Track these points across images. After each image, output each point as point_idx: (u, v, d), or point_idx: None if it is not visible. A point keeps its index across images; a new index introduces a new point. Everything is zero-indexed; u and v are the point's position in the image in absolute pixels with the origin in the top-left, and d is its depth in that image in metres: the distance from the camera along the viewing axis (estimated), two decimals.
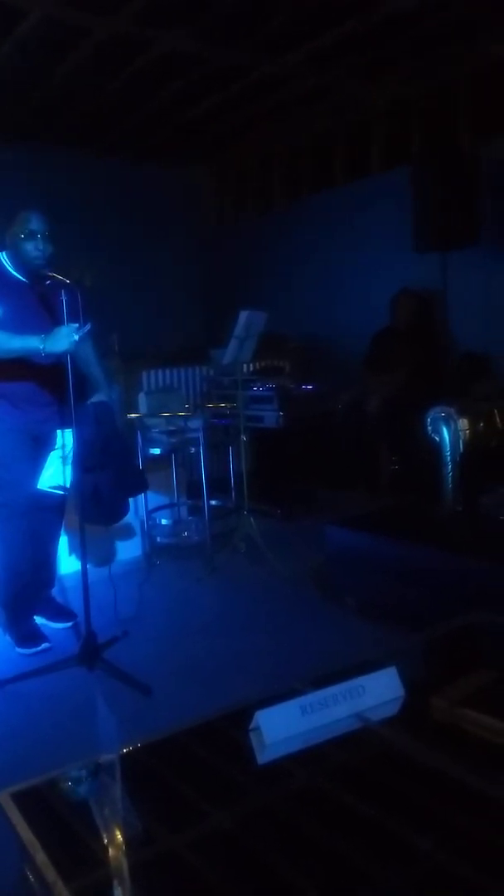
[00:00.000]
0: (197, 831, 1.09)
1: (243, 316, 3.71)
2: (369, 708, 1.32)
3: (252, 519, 3.91)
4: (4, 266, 2.82)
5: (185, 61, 4.72)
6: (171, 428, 3.93)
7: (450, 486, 3.60)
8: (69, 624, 3.11)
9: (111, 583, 2.95)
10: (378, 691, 1.34)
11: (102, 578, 3.02)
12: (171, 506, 4.28)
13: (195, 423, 3.92)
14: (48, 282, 2.72)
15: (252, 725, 1.26)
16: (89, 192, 6.40)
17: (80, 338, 2.58)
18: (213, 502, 4.06)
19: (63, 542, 3.47)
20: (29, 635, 2.96)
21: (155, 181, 6.85)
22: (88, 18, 4.10)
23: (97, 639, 2.71)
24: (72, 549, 3.54)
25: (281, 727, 1.25)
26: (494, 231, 4.87)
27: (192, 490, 4.35)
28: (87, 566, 2.68)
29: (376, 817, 1.09)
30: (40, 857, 1.02)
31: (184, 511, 4.37)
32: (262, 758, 1.24)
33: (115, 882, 0.94)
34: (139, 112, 5.61)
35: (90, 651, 2.67)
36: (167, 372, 5.41)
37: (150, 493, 4.05)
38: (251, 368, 5.23)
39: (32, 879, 1.05)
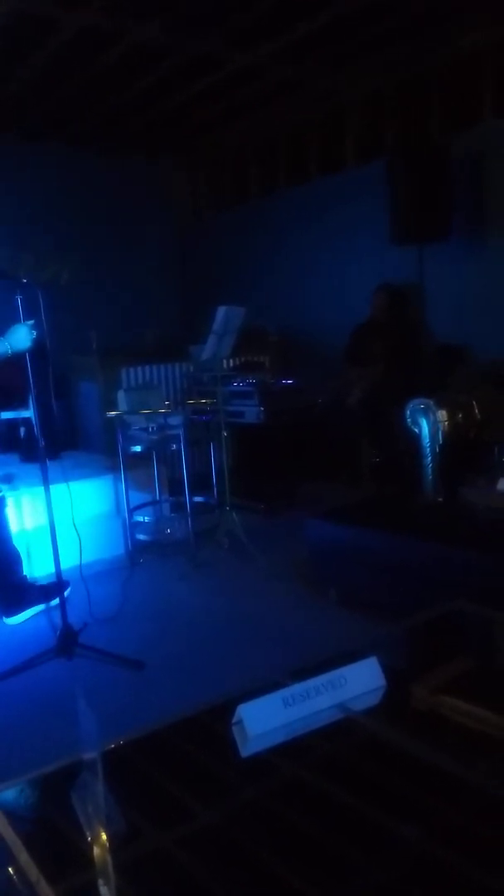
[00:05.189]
0: (182, 827, 1.09)
1: (221, 311, 3.70)
2: (351, 698, 1.33)
3: (234, 514, 3.91)
4: None
5: (158, 53, 4.70)
6: (152, 425, 3.92)
7: (430, 477, 3.63)
8: (64, 594, 3.01)
9: (82, 580, 2.93)
10: (359, 681, 1.35)
11: (83, 576, 3.01)
12: (153, 503, 4.27)
13: (175, 420, 3.91)
14: None
15: (235, 719, 1.26)
16: (62, 187, 6.35)
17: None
18: (195, 499, 4.06)
19: (38, 541, 3.45)
20: None
21: (129, 175, 6.80)
22: (58, 11, 4.05)
23: (74, 627, 2.74)
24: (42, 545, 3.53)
25: (263, 720, 1.25)
26: (467, 223, 4.91)
27: (174, 487, 4.34)
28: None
29: (361, 807, 1.10)
30: (23, 856, 1.01)
31: (166, 508, 4.36)
32: (246, 751, 1.24)
33: (100, 881, 0.94)
34: (112, 105, 5.57)
35: (68, 640, 2.70)
36: (146, 369, 5.40)
37: (131, 491, 4.04)
38: (231, 364, 5.23)
39: (16, 880, 1.04)
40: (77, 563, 2.93)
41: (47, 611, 3.18)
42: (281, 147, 6.48)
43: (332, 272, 5.90)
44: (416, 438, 3.72)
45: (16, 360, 2.69)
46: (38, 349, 2.70)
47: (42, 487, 3.52)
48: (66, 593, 3.02)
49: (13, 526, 3.43)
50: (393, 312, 5.18)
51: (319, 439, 5.01)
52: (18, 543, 3.36)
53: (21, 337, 2.61)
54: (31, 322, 2.62)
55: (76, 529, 2.84)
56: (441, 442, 3.67)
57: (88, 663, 2.72)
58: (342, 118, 5.85)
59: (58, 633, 2.78)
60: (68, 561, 2.83)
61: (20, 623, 3.15)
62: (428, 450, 3.65)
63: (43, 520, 3.51)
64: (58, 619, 2.83)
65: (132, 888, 0.96)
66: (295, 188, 6.30)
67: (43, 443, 2.79)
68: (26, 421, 4.32)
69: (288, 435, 4.91)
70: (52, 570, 2.83)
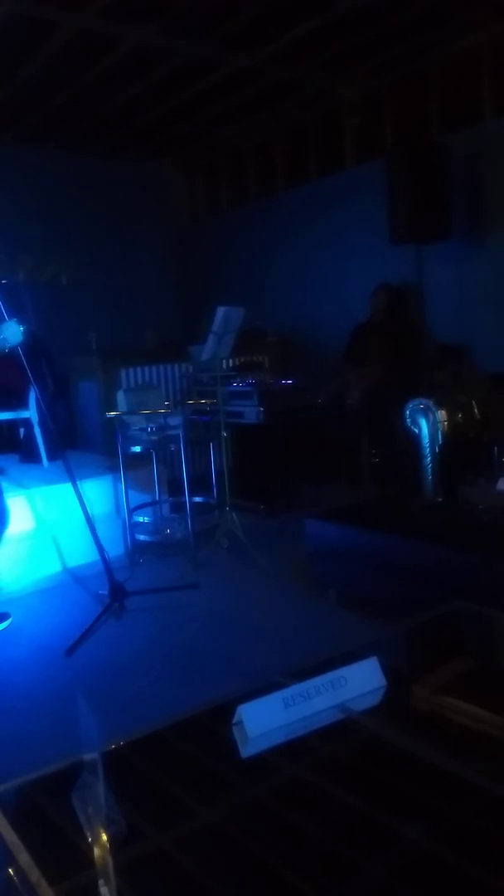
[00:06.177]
0: (182, 827, 1.08)
1: (220, 312, 3.70)
2: (351, 698, 1.33)
3: (234, 515, 3.91)
4: None
5: (155, 56, 4.70)
6: (152, 425, 3.92)
7: (429, 477, 3.63)
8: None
9: (107, 571, 2.95)
10: (360, 682, 1.34)
11: (83, 576, 3.02)
12: (152, 503, 4.26)
13: (175, 420, 3.91)
14: None
15: (235, 719, 1.26)
16: (62, 188, 6.36)
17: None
18: (195, 499, 4.05)
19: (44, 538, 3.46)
20: None
21: (128, 177, 6.81)
22: (55, 13, 4.06)
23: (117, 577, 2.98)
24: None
25: (264, 720, 1.25)
26: (466, 223, 4.91)
27: (174, 487, 4.33)
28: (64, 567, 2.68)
29: (361, 807, 1.10)
30: (23, 857, 1.01)
31: (166, 508, 4.36)
32: (246, 751, 1.24)
33: (101, 881, 0.93)
34: (111, 106, 5.57)
35: (118, 592, 2.94)
36: (146, 369, 5.39)
37: (131, 491, 4.04)
38: (230, 364, 5.23)
39: (16, 880, 1.04)
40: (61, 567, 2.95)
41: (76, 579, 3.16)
42: (279, 148, 6.49)
43: (331, 272, 5.90)
44: (416, 438, 3.72)
45: (12, 358, 2.72)
46: (31, 346, 2.72)
47: (40, 488, 3.55)
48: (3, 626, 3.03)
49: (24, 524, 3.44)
50: (392, 312, 5.18)
51: (319, 439, 5.01)
52: (34, 540, 3.38)
53: (12, 332, 2.67)
54: (14, 319, 2.69)
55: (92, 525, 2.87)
56: (441, 442, 3.67)
57: (92, 664, 2.72)
58: (340, 118, 5.86)
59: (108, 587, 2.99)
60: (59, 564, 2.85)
61: None
62: (427, 450, 3.66)
63: (40, 520, 3.53)
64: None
65: (132, 888, 0.96)
66: (294, 189, 6.30)
67: (58, 439, 2.84)
68: (26, 421, 4.32)
69: (287, 435, 4.91)
70: (52, 569, 2.84)
